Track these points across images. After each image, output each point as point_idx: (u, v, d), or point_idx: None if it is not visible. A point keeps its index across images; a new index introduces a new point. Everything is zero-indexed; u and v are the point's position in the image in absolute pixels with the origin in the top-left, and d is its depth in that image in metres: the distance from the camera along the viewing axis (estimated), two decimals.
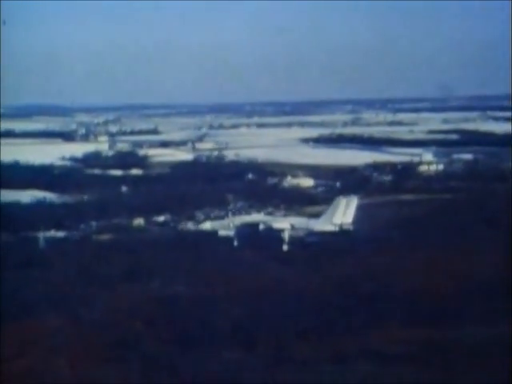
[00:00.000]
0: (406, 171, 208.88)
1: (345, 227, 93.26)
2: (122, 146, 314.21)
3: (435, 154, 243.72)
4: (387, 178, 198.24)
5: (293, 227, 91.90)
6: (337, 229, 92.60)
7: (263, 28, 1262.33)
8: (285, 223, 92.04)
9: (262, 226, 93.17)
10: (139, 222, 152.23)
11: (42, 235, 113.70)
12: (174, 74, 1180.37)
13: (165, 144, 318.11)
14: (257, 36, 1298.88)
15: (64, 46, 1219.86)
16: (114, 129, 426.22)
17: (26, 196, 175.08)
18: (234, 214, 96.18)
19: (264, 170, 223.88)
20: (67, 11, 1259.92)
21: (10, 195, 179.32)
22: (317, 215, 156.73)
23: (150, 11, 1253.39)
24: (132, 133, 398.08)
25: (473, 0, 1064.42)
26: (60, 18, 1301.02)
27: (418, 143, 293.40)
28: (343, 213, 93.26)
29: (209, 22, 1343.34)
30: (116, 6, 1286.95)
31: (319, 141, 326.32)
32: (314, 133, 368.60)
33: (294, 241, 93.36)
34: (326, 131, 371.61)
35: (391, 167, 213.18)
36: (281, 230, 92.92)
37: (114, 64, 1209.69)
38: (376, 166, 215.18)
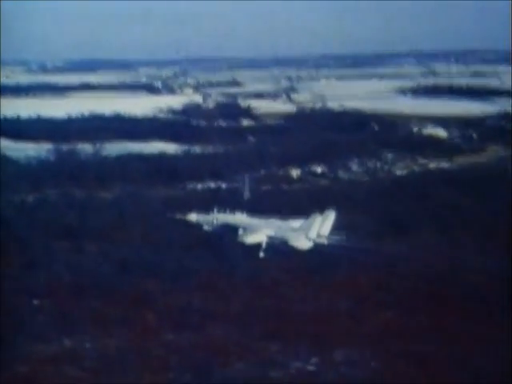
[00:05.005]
0: None
1: (320, 241, 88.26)
2: (216, 97, 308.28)
3: None
4: None
5: (270, 238, 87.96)
6: (311, 244, 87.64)
7: None
8: (261, 235, 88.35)
9: (240, 232, 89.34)
10: (297, 172, 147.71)
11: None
12: (231, 28, 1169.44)
13: (258, 95, 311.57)
14: None
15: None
16: (190, 81, 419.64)
17: (169, 148, 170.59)
18: (218, 210, 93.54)
19: (383, 120, 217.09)
20: None
21: (143, 147, 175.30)
22: (466, 165, 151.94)
23: None
24: (212, 85, 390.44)
25: None
26: None
27: None
28: (319, 227, 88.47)
29: None
30: None
31: (417, 92, 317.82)
32: (399, 84, 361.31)
33: (269, 248, 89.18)
34: (409, 83, 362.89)
35: None
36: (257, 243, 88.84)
37: (166, 19, 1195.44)
38: (505, 116, 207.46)
